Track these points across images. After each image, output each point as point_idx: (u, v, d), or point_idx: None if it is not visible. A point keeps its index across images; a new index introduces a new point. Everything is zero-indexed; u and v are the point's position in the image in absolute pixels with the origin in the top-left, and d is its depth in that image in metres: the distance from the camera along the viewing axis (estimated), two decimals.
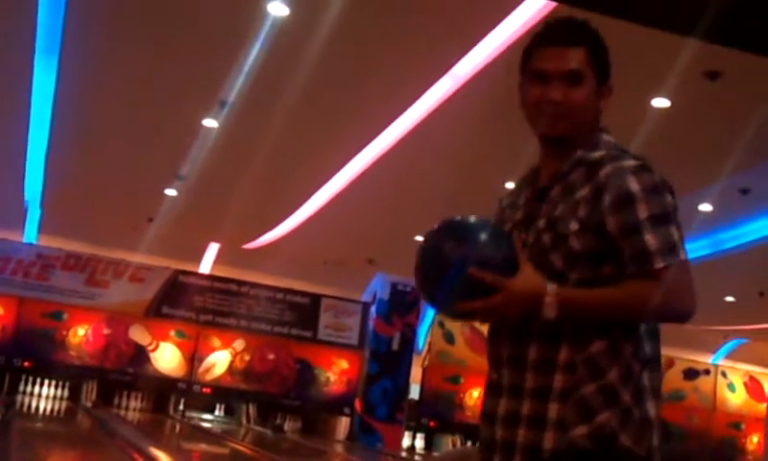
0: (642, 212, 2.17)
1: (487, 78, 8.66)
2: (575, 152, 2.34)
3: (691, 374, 20.75)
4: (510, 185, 11.46)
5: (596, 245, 2.22)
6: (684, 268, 2.17)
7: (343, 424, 19.21)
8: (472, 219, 2.38)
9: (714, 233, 12.81)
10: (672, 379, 19.89)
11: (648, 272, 2.15)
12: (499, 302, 2.22)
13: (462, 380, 19.84)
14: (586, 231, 2.22)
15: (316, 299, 18.80)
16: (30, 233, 18.46)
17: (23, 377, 17.13)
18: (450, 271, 2.28)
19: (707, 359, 22.32)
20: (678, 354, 20.10)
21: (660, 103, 8.66)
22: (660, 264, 2.15)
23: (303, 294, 18.63)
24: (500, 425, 2.36)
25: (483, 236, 2.33)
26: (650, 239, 2.15)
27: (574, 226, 2.23)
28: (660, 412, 2.23)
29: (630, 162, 2.24)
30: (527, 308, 2.20)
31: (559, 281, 2.21)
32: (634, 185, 2.19)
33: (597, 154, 2.31)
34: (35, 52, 9.72)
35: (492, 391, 2.52)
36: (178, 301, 17.82)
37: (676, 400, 19.91)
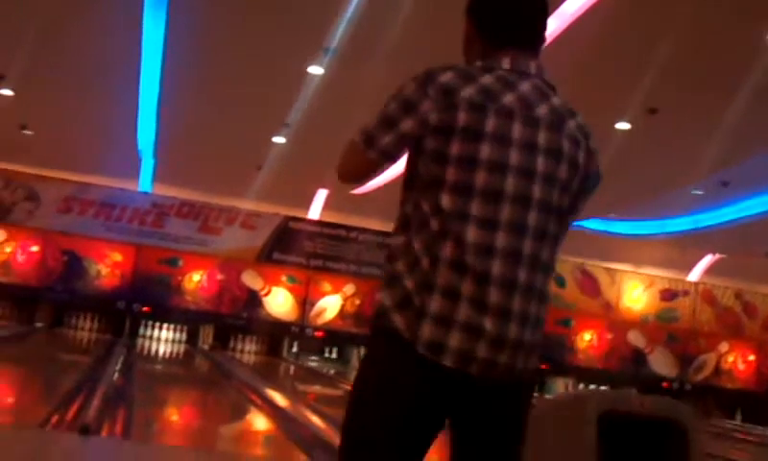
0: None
1: (595, 16, 8.43)
2: None
3: None
4: (623, 125, 11.15)
5: None
6: (351, 145, 2.43)
7: None
8: None
9: None
10: None
11: None
12: None
13: (573, 323, 19.69)
14: None
15: None
16: (144, 182, 18.91)
17: (143, 322, 17.70)
18: None
19: None
20: None
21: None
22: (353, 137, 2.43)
23: None
24: None
25: None
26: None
27: None
28: (457, 313, 2.23)
29: None
30: None
31: None
32: None
33: None
34: (143, 5, 9.87)
35: None
36: (288, 246, 18.09)
37: None
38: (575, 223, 2.55)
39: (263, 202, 18.04)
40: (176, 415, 9.58)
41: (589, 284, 19.89)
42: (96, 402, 7.43)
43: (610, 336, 19.92)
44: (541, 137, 2.33)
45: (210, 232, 18.08)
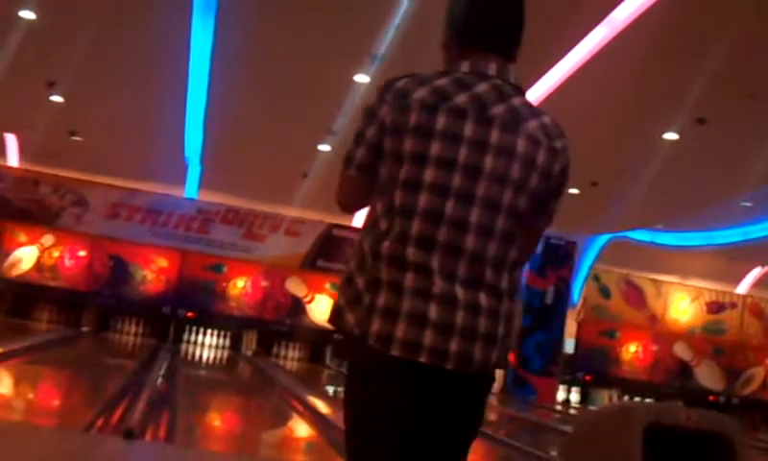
0: None
1: (644, 24, 8.36)
2: None
3: None
4: (671, 136, 11.05)
5: None
6: (342, 176, 2.52)
7: (497, 376, 19.16)
8: None
9: None
10: None
11: None
12: None
13: (618, 335, 19.50)
14: None
15: None
16: (190, 189, 19.08)
17: (187, 327, 17.83)
18: None
19: None
20: None
21: None
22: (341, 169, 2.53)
23: None
24: None
25: None
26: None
27: None
28: (402, 305, 2.29)
29: None
30: None
31: None
32: None
33: None
34: (192, 12, 9.96)
35: None
36: (332, 253, 18.11)
37: None
38: (548, 223, 2.60)
39: (308, 209, 18.11)
40: (218, 420, 9.62)
41: (635, 295, 19.68)
42: (140, 406, 7.48)
43: (655, 348, 19.70)
44: (494, 136, 2.37)
45: (255, 239, 18.18)
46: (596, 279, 19.61)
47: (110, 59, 11.91)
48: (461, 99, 2.38)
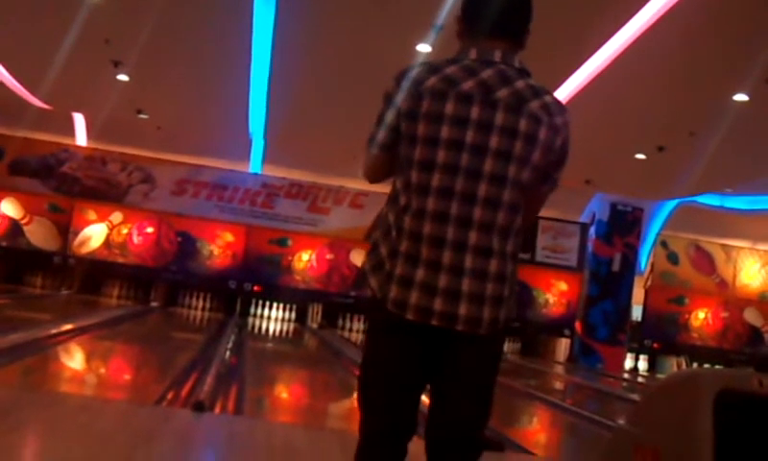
0: None
1: None
2: None
3: None
4: (741, 97, 10.80)
5: None
6: (366, 154, 2.83)
7: (563, 345, 19.10)
8: None
9: None
10: None
11: None
12: None
13: (687, 301, 19.25)
14: None
15: (533, 221, 18.66)
16: (255, 164, 19.21)
17: (253, 301, 18.03)
18: None
19: None
20: None
21: None
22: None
23: None
24: None
25: None
26: None
27: None
28: (416, 275, 2.60)
29: None
30: None
31: None
32: None
33: None
34: None
35: None
36: None
37: None
38: (552, 189, 2.84)
39: None
40: (286, 393, 9.72)
41: (704, 261, 19.40)
42: (209, 380, 7.59)
43: (725, 314, 19.41)
44: (498, 118, 2.62)
45: (319, 212, 18.27)
46: (664, 245, 19.36)
47: (175, 37, 12.01)
48: (468, 85, 2.64)
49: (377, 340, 2.80)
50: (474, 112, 2.61)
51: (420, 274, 2.59)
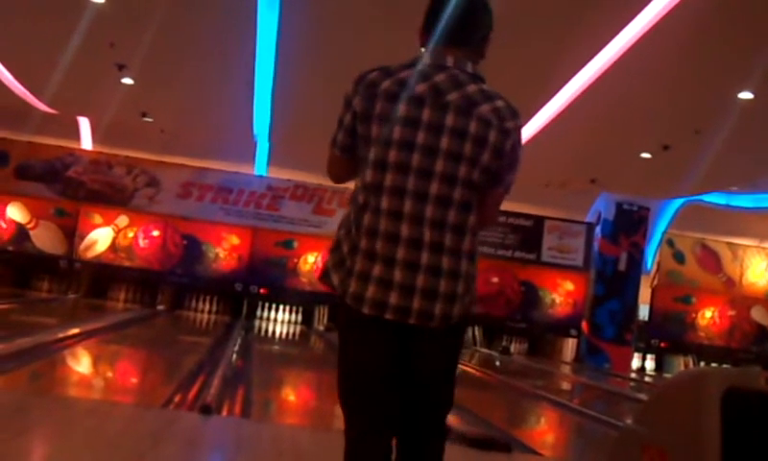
0: None
1: None
2: None
3: None
4: (745, 95, 10.78)
5: None
6: (329, 154, 2.97)
7: (569, 345, 19.08)
8: None
9: None
10: None
11: None
12: None
13: (693, 300, 19.22)
14: None
15: (539, 221, 18.64)
16: (260, 166, 19.22)
17: (259, 303, 18.04)
18: None
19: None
20: None
21: None
22: None
23: (526, 216, 18.50)
24: None
25: None
26: None
27: None
28: (373, 270, 2.70)
29: None
30: None
31: None
32: None
33: None
34: None
35: None
36: None
37: None
38: (505, 192, 2.92)
39: None
40: (293, 395, 9.72)
41: (710, 260, 19.37)
42: (216, 383, 7.59)
43: (732, 313, 19.37)
44: (449, 119, 2.72)
45: (324, 214, 18.28)
46: (670, 244, 19.34)
47: (179, 40, 12.03)
48: (420, 88, 2.75)
49: (345, 337, 2.89)
50: (425, 114, 2.72)
51: (376, 269, 2.70)
